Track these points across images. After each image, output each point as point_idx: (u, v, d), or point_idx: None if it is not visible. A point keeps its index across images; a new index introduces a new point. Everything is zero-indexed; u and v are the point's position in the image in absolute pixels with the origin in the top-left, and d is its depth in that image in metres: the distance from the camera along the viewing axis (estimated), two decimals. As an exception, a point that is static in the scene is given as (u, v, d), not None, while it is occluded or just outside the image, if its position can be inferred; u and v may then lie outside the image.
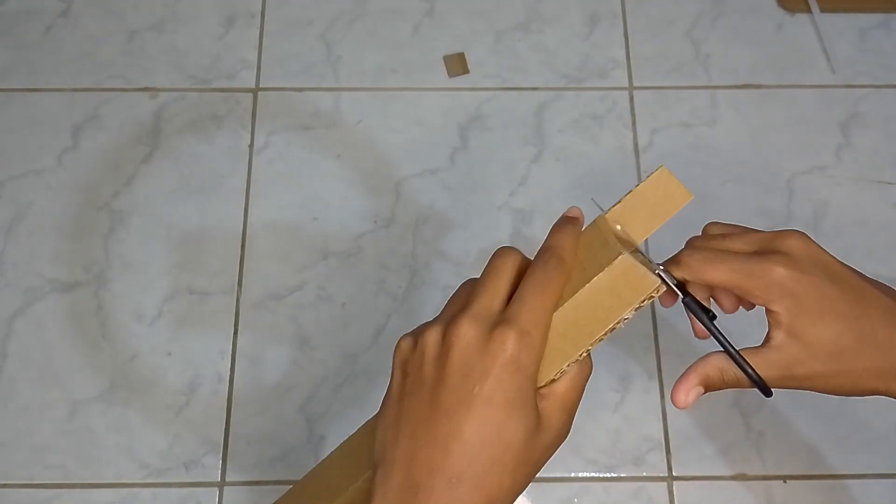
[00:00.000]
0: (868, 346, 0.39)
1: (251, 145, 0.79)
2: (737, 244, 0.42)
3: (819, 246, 0.41)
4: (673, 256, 0.42)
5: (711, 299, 0.44)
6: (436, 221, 0.76)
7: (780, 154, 0.79)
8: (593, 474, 0.67)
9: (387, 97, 0.81)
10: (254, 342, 0.71)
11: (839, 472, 0.67)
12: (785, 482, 0.67)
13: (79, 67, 0.82)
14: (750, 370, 0.39)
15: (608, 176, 0.78)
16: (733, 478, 0.67)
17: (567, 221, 0.41)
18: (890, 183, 0.78)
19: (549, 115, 0.80)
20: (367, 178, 0.78)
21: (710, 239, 0.43)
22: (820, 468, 0.67)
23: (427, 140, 0.79)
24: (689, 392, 0.41)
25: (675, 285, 0.40)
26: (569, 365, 0.37)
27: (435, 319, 0.38)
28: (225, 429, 0.69)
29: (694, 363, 0.41)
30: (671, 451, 0.68)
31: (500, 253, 0.40)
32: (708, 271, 0.40)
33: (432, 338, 0.37)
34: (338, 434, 0.68)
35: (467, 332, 0.36)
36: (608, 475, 0.67)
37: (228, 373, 0.70)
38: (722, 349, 0.40)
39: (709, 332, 0.40)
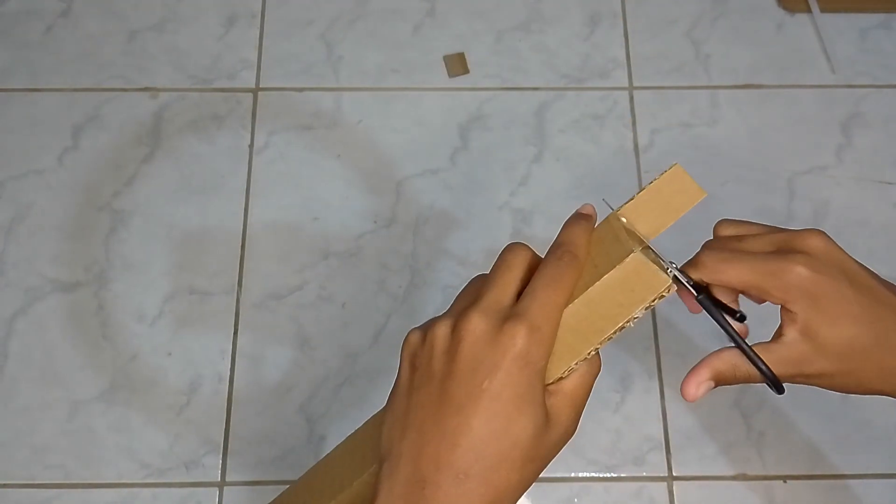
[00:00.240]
0: (880, 349, 0.39)
1: (251, 145, 0.79)
2: (755, 245, 0.41)
3: (839, 246, 0.40)
4: (691, 258, 0.42)
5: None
6: (436, 221, 0.76)
7: (781, 154, 0.79)
8: (594, 474, 0.67)
9: (387, 97, 0.81)
10: (254, 342, 0.71)
11: (840, 472, 0.67)
12: (785, 482, 0.67)
13: (79, 67, 0.82)
14: (765, 368, 0.39)
15: (609, 176, 0.78)
16: (734, 478, 0.67)
17: (580, 218, 0.41)
18: (890, 183, 0.78)
19: (549, 115, 0.80)
20: (367, 178, 0.78)
21: (728, 241, 0.43)
22: (820, 468, 0.67)
23: (428, 140, 0.79)
24: (700, 385, 0.41)
25: (689, 283, 0.40)
26: (577, 363, 0.37)
27: (444, 313, 0.38)
28: (225, 429, 0.69)
29: (706, 357, 0.41)
30: (671, 451, 0.68)
31: (511, 248, 0.40)
32: (726, 271, 0.40)
33: (442, 331, 0.37)
34: (338, 434, 0.68)
35: (477, 325, 0.36)
36: (608, 475, 0.67)
37: (229, 373, 0.70)
38: (734, 345, 0.40)
39: (724, 331, 0.40)
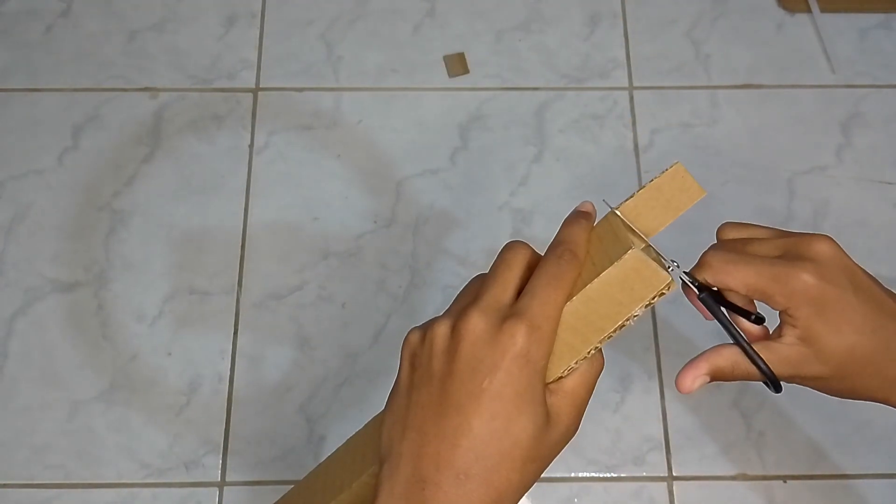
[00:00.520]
0: (881, 358, 0.39)
1: (251, 145, 0.79)
2: (762, 249, 0.41)
3: (846, 254, 0.40)
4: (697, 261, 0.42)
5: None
6: (436, 221, 0.76)
7: (781, 154, 0.79)
8: (594, 474, 0.67)
9: (387, 97, 0.81)
10: (254, 342, 0.71)
11: (840, 472, 0.67)
12: (785, 482, 0.67)
13: (79, 67, 0.82)
14: (765, 367, 0.39)
15: (608, 176, 0.78)
16: (734, 478, 0.67)
17: (579, 216, 0.41)
18: (890, 183, 0.78)
19: (549, 115, 0.80)
20: (367, 177, 0.78)
21: (734, 243, 0.42)
22: (820, 468, 0.67)
23: (427, 140, 0.79)
24: (696, 379, 0.40)
25: (690, 281, 0.40)
26: (577, 361, 0.37)
27: (444, 313, 0.38)
28: (225, 429, 0.69)
29: (705, 352, 0.41)
30: (671, 451, 0.68)
31: (511, 246, 0.40)
32: (731, 273, 0.39)
33: (441, 331, 0.37)
34: (338, 434, 0.68)
35: (477, 324, 0.36)
36: (608, 475, 0.67)
37: (228, 373, 0.70)
38: (734, 342, 0.40)
39: (725, 330, 0.40)
